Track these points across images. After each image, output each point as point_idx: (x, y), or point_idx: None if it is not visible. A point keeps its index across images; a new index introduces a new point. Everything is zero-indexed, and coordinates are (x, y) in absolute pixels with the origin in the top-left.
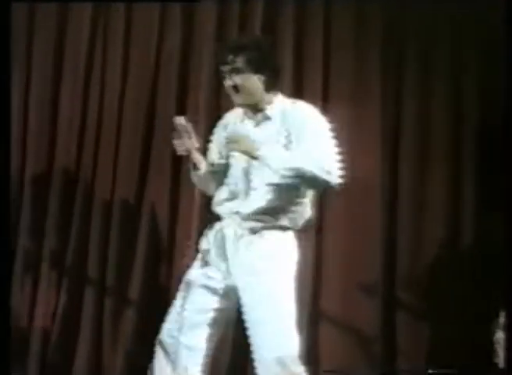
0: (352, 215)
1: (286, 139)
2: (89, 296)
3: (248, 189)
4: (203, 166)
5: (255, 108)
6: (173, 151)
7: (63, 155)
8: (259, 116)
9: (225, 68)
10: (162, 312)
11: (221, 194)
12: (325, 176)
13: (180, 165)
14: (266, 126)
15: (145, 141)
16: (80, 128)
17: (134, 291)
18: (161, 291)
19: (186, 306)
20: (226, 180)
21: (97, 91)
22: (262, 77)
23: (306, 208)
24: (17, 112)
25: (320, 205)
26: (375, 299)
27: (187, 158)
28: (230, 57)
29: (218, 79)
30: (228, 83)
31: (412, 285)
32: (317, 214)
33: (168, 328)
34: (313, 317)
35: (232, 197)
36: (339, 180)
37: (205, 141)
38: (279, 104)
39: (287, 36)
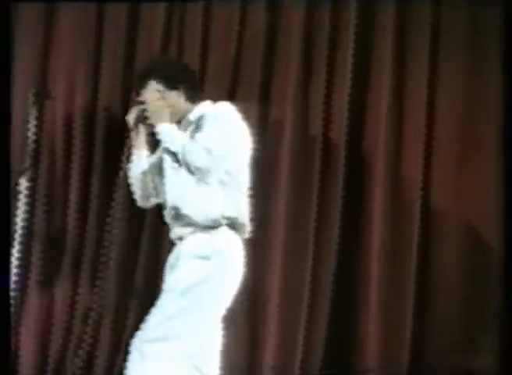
0: None
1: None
2: None
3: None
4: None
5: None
6: None
7: None
8: (183, 123)
9: (143, 91)
10: None
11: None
12: (204, 155)
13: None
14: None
15: None
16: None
17: None
18: None
19: None
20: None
21: None
22: (180, 92)
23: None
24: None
25: None
26: None
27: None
28: (145, 83)
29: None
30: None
31: None
32: None
33: None
34: None
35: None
36: (216, 163)
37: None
38: (199, 109)
39: (387, 34)
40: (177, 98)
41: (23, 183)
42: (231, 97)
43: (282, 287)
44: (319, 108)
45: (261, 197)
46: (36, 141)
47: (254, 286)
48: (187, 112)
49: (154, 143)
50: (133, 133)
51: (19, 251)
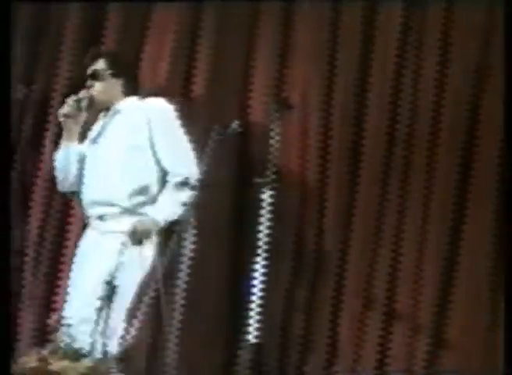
0: None
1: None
2: None
3: None
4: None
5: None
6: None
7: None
8: (109, 111)
9: (87, 73)
10: None
11: None
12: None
13: None
14: (114, 120)
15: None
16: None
17: None
18: None
19: None
20: None
21: (408, 99)
22: (120, 81)
23: None
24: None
25: None
26: None
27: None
28: (91, 62)
29: None
30: (88, 85)
31: None
32: None
33: None
34: None
35: None
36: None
37: None
38: (127, 101)
39: None
40: (113, 88)
41: (267, 196)
42: (475, 104)
43: None
44: None
45: None
46: (277, 152)
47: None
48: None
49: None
50: (69, 123)
51: (264, 267)
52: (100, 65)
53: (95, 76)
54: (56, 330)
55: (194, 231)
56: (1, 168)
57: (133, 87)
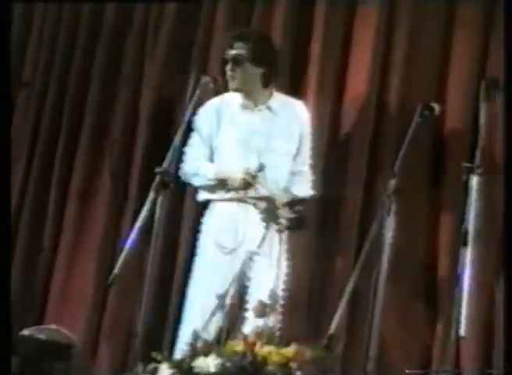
0: None
1: (291, 136)
2: None
3: None
4: None
5: (254, 100)
6: None
7: None
8: (261, 107)
9: (228, 54)
10: None
11: None
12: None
13: None
14: (270, 118)
15: None
16: None
17: None
18: None
19: None
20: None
21: None
22: (260, 70)
23: None
24: None
25: None
26: None
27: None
28: (235, 44)
29: None
30: (227, 68)
31: None
32: None
33: None
34: None
35: None
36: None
37: None
38: (278, 98)
39: None
40: (256, 74)
41: (474, 182)
42: None
43: None
44: None
45: None
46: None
47: None
48: (259, 92)
49: None
50: None
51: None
52: (242, 49)
53: (236, 61)
54: (263, 315)
55: (395, 218)
56: (1, 167)
57: (273, 78)
